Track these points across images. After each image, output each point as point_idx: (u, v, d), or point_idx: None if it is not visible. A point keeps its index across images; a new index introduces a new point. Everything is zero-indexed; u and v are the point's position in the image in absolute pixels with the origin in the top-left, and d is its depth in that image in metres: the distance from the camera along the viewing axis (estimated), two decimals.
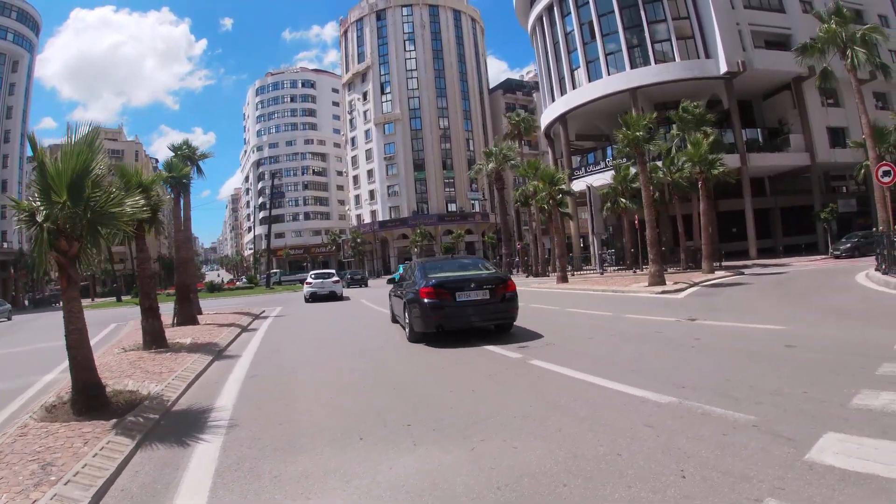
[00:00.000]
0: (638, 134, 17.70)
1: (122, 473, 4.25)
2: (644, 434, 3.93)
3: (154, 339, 11.89)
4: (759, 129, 36.32)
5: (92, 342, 13.39)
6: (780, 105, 37.02)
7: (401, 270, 23.15)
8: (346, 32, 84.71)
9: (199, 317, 19.20)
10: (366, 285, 45.16)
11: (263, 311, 21.64)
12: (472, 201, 78.43)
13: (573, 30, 37.69)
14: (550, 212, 41.75)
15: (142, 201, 7.56)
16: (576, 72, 37.83)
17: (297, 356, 10.08)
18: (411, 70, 77.37)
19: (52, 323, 23.19)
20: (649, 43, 34.16)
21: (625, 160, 31.80)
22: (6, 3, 63.89)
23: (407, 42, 77.82)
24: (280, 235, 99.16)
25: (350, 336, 12.45)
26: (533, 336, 9.32)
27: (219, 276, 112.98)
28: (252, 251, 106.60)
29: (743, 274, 21.46)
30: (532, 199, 30.74)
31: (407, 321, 10.34)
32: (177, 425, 5.59)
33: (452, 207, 78.17)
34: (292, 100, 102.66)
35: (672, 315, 10.58)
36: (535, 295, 20.04)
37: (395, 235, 77.82)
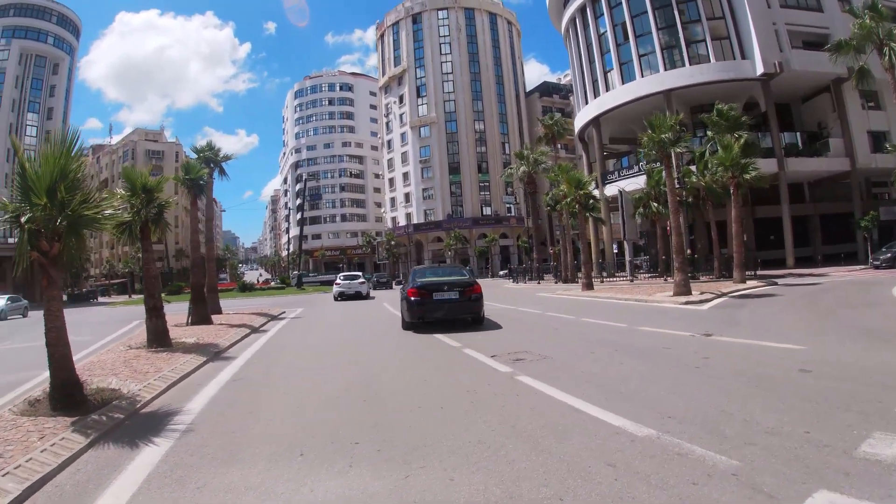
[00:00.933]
0: (663, 136, 16.79)
1: (65, 470, 4.30)
2: (601, 475, 3.34)
3: (157, 337, 11.90)
4: (797, 133, 34.39)
5: (109, 338, 13.50)
6: (819, 108, 34.98)
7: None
8: (382, 36, 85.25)
9: (216, 316, 19.20)
10: (390, 287, 45.88)
11: (283, 312, 21.54)
12: (508, 205, 77.68)
13: (606, 31, 36.53)
14: (583, 216, 41.01)
15: (117, 203, 7.58)
16: (609, 74, 36.68)
17: (291, 361, 9.91)
18: (447, 73, 77.14)
19: (73, 319, 23.63)
20: (683, 44, 32.65)
21: (658, 164, 30.80)
22: (46, 7, 66.55)
23: (443, 45, 77.68)
24: (317, 237, 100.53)
25: (353, 341, 12.07)
26: (533, 347, 8.82)
27: (260, 275, 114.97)
28: (288, 252, 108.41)
29: (776, 284, 20.09)
30: (561, 204, 29.90)
31: (401, 313, 13.46)
32: (137, 426, 5.58)
33: (487, 211, 77.60)
34: (330, 103, 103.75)
35: (688, 329, 9.78)
36: (555, 303, 19.31)
37: (430, 238, 77.75)
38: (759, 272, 25.17)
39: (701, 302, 14.99)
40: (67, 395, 6.20)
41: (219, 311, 20.77)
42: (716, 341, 8.38)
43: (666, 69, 32.54)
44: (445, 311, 12.42)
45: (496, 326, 12.71)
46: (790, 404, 4.62)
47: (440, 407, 5.46)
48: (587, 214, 29.94)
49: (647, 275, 32.71)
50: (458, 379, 6.85)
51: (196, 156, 21.02)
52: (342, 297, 29.09)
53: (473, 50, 77.96)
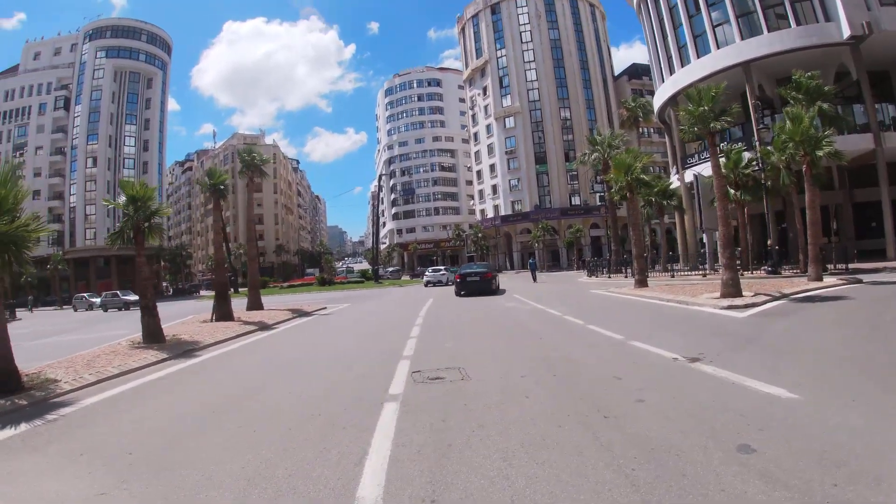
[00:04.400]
0: (703, 109, 14.50)
1: None
2: None
3: (150, 334, 12.29)
4: None
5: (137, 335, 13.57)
6: None
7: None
8: (463, 29, 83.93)
9: (248, 312, 19.51)
10: None
11: (322, 309, 21.39)
12: (597, 194, 74.06)
13: (677, 2, 33.08)
14: (660, 204, 37.93)
15: (32, 225, 8.52)
16: (683, 49, 33.01)
17: (239, 364, 9.68)
18: (529, 62, 74.14)
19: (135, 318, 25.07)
20: (760, 9, 27.65)
21: (738, 143, 27.68)
22: (136, 27, 72.77)
23: (523, 34, 74.65)
24: (411, 230, 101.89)
25: (334, 347, 11.36)
26: (478, 363, 7.73)
27: (384, 269, 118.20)
28: (386, 245, 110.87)
29: (860, 282, 16.24)
30: (611, 191, 27.48)
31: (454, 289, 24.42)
32: (27, 413, 6.45)
33: (576, 201, 74.38)
34: (419, 98, 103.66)
35: (684, 348, 7.72)
36: (590, 303, 17.33)
37: (518, 230, 75.87)
38: (852, 266, 21.49)
39: (746, 306, 12.49)
40: (3, 381, 7.51)
41: (259, 307, 21.10)
42: (690, 372, 6.36)
43: (742, 38, 28.43)
44: (473, 287, 23.37)
45: (487, 331, 11.64)
46: None
47: (253, 430, 5.06)
48: (635, 201, 27.22)
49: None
50: (328, 400, 6.11)
51: (240, 159, 21.85)
52: (430, 284, 39.35)
53: (555, 36, 74.10)
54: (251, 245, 21.26)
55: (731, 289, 14.30)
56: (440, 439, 4.39)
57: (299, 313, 19.04)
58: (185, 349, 11.13)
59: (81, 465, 4.30)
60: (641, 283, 21.01)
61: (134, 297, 39.05)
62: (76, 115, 68.51)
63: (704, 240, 38.36)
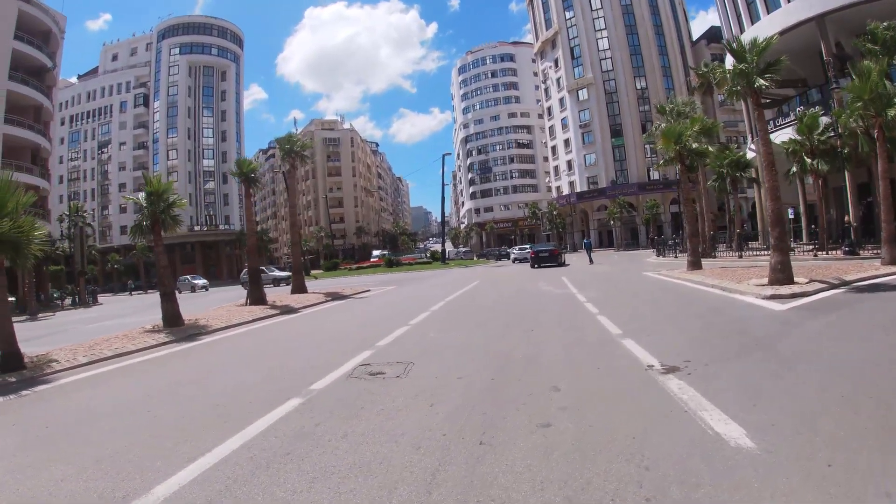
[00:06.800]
0: (744, 67, 12.79)
1: None
2: None
3: (169, 318, 12.78)
4: None
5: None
6: None
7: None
8: (531, 1, 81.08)
9: (284, 296, 19.98)
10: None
11: (366, 292, 21.39)
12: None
13: None
14: (733, 177, 35.13)
15: (40, 228, 9.77)
16: (752, 5, 29.75)
17: (231, 346, 10.07)
18: (600, 30, 69.58)
19: (210, 298, 26.00)
20: None
21: (815, 107, 25.13)
22: (205, 23, 76.22)
23: (592, 1, 70.43)
24: (489, 209, 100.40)
25: (337, 340, 11.23)
26: (431, 360, 7.11)
27: (458, 250, 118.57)
28: (465, 224, 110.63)
29: None
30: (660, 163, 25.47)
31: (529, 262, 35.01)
32: (12, 390, 7.33)
33: (655, 175, 70.31)
34: (493, 75, 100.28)
35: (671, 353, 6.46)
36: (628, 287, 15.91)
37: (595, 206, 72.34)
38: None
39: (792, 296, 10.27)
40: (6, 360, 8.56)
41: (303, 291, 21.55)
42: (649, 389, 5.18)
43: None
44: (544, 260, 32.42)
45: (488, 320, 10.89)
46: None
47: (154, 417, 5.48)
48: (686, 174, 25.14)
49: (808, 248, 26.61)
50: (252, 390, 6.27)
51: (277, 147, 22.29)
52: (517, 261, 45.07)
53: (626, 1, 69.18)
54: (294, 231, 21.58)
55: (780, 274, 12.29)
56: (286, 449, 4.09)
57: (334, 297, 19.16)
58: (190, 333, 11.45)
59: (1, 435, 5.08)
60: (694, 265, 19.34)
61: (285, 273, 38.10)
62: (155, 110, 73.54)
63: (790, 214, 35.11)
